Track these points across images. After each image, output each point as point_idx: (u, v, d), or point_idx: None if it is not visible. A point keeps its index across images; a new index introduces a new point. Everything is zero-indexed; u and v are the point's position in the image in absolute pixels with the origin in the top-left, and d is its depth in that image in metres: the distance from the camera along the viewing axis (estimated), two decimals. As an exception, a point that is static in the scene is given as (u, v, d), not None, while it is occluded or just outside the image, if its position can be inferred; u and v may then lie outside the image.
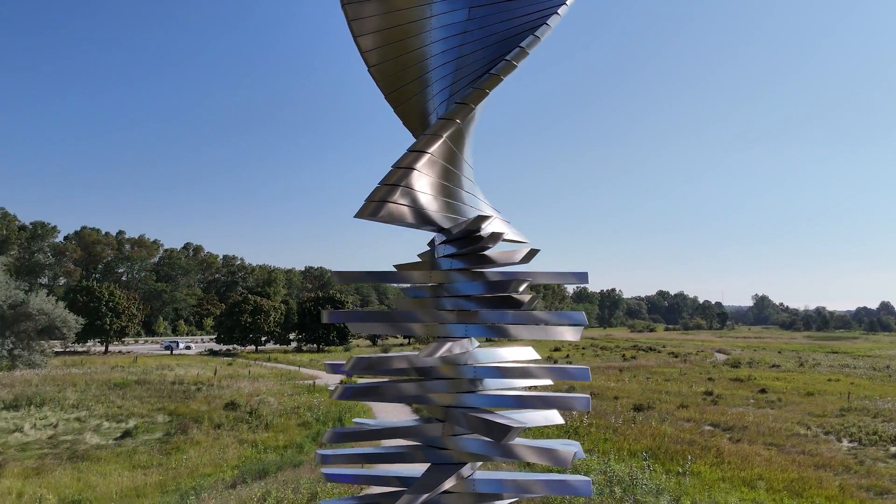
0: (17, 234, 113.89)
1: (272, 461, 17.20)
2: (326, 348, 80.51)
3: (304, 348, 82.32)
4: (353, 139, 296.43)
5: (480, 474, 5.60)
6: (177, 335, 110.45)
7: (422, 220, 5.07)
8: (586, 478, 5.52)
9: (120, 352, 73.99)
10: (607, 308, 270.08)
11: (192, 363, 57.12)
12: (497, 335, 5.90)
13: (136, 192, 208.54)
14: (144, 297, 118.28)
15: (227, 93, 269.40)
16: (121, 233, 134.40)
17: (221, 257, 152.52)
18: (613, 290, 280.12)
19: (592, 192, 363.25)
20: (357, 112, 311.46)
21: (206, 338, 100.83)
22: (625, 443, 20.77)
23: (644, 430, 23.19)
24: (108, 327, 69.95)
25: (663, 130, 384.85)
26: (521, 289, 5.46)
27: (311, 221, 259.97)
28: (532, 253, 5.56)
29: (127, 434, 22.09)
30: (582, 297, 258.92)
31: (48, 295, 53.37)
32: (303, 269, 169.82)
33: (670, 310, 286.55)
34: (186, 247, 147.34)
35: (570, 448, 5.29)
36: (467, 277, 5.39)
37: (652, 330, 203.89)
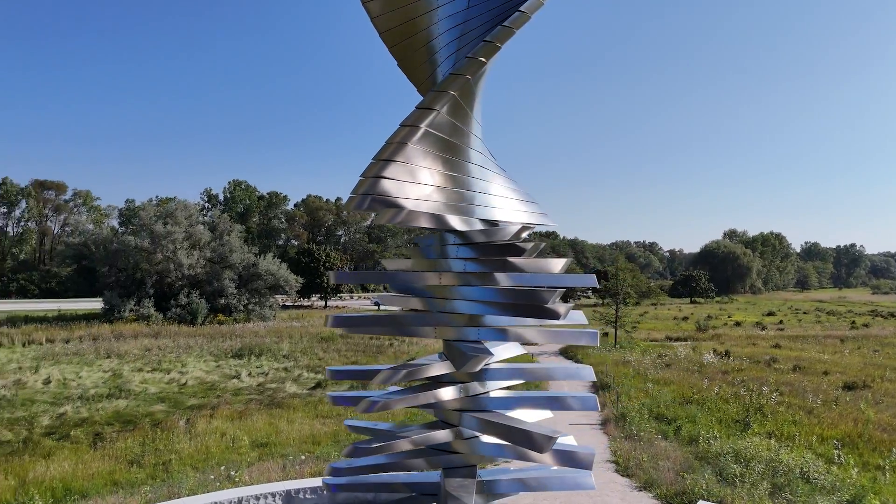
0: (257, 203, 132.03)
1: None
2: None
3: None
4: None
5: (485, 473, 5.48)
6: (385, 291, 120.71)
7: (434, 222, 4.91)
8: (588, 471, 5.19)
9: (337, 306, 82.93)
10: (844, 266, 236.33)
11: (393, 319, 61.94)
12: (508, 338, 5.61)
13: (349, 162, 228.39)
14: (359, 256, 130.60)
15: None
16: (339, 199, 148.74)
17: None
18: (853, 245, 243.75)
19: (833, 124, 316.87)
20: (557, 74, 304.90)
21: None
22: (816, 427, 18.33)
23: (847, 413, 20.23)
24: (325, 285, 78.71)
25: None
26: (558, 299, 5.12)
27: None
28: (567, 263, 5.26)
29: (318, 385, 24.83)
30: (812, 253, 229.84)
31: (274, 257, 61.41)
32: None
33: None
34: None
35: (588, 450, 5.00)
36: (483, 281, 5.18)
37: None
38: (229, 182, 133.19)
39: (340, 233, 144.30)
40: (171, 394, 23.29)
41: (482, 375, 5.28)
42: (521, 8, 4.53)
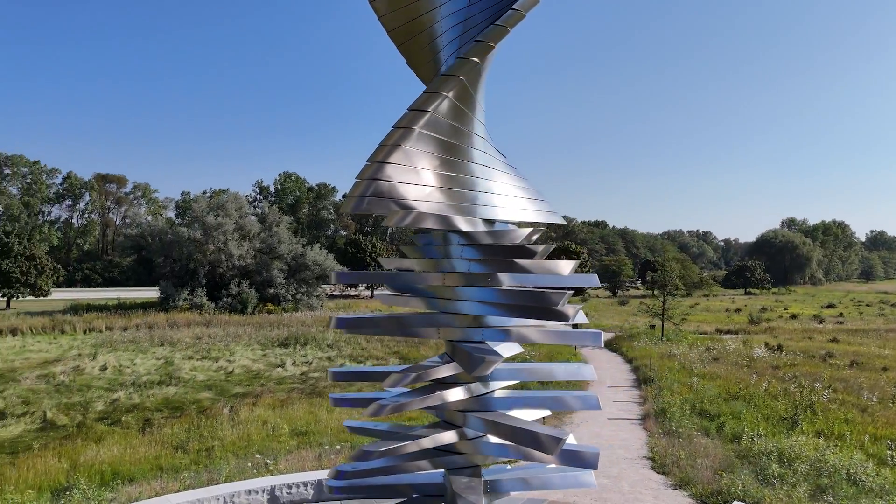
0: (306, 195, 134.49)
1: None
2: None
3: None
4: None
5: (487, 472, 5.46)
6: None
7: (441, 223, 4.85)
8: (591, 469, 5.14)
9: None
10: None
11: (438, 309, 62.18)
12: (512, 339, 5.55)
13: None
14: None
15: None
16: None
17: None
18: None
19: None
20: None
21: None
22: (870, 426, 17.52)
23: (906, 411, 19.25)
24: (371, 274, 79.99)
25: None
26: (567, 301, 5.04)
27: (548, 170, 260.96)
28: (575, 266, 5.21)
29: (359, 375, 25.18)
30: (878, 242, 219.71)
31: (321, 248, 62.53)
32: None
33: None
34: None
35: (593, 449, 4.98)
36: (489, 282, 5.15)
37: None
38: (280, 174, 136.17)
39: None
40: (218, 381, 24.03)
41: (487, 376, 5.25)
42: (515, 6, 4.45)
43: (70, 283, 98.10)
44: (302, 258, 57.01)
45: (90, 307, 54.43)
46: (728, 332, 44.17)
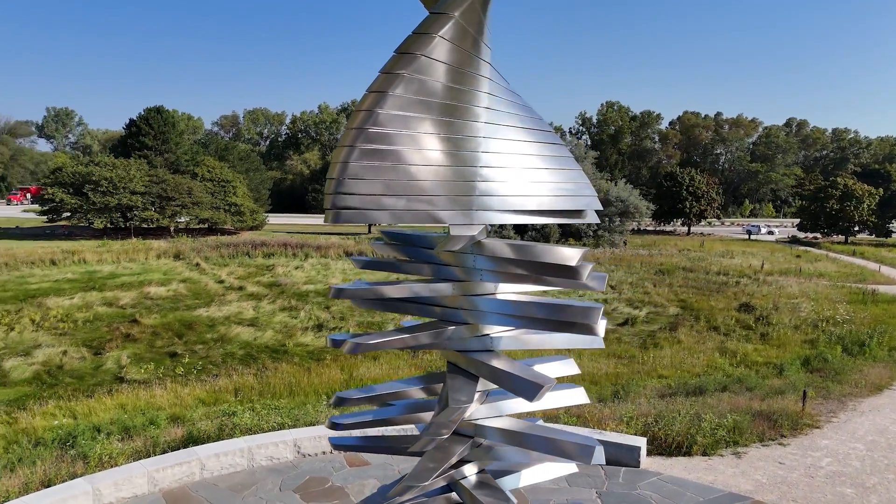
0: (629, 124, 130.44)
1: (720, 380, 16.24)
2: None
3: (915, 242, 67.57)
4: None
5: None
6: (760, 219, 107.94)
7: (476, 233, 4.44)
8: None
9: (701, 233, 77.88)
10: None
11: (760, 251, 55.38)
12: (520, 346, 4.92)
13: (734, 73, 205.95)
14: (738, 178, 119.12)
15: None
16: (718, 114, 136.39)
17: (830, 131, 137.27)
18: None
19: None
20: None
21: (794, 222, 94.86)
22: None
23: None
24: (688, 210, 74.40)
25: None
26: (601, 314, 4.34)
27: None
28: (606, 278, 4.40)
29: (627, 322, 24.44)
30: None
31: (626, 183, 60.73)
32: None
33: None
34: (788, 123, 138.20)
35: (600, 447, 4.39)
36: (506, 294, 4.61)
37: None
38: (602, 104, 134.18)
39: (719, 151, 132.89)
40: (493, 315, 25.90)
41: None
42: None
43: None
44: (604, 194, 56.32)
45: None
46: None
